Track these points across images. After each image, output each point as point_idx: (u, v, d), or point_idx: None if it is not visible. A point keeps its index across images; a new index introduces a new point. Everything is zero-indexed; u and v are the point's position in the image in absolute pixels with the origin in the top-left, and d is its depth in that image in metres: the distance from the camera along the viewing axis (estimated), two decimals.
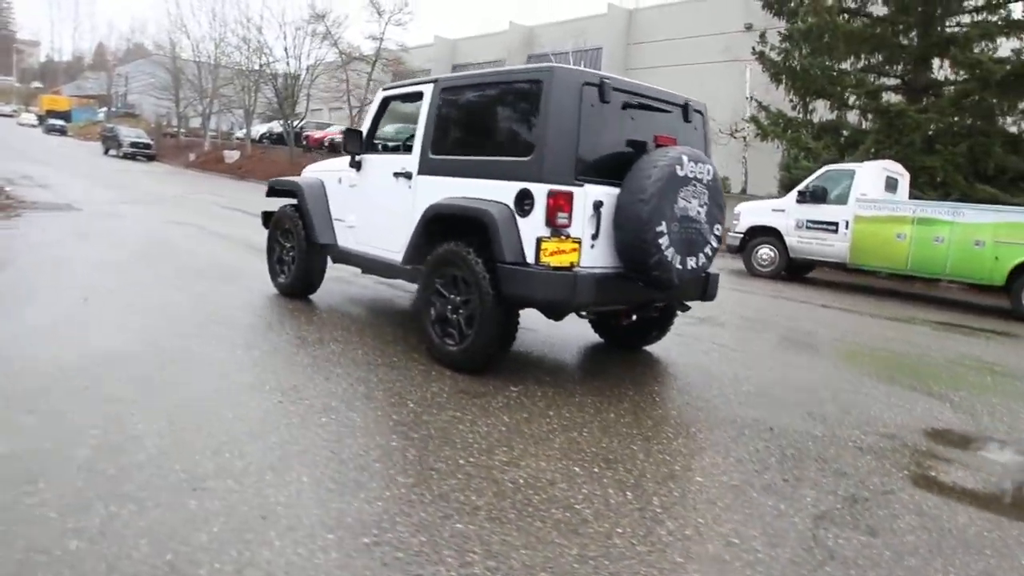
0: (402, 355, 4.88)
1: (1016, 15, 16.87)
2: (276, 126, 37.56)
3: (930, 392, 5.41)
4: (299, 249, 6.21)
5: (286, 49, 31.73)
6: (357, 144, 5.61)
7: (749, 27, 34.90)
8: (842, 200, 11.97)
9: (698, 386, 4.93)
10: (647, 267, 4.31)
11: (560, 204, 4.15)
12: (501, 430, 3.67)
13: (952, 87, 17.20)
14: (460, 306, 4.60)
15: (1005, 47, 17.24)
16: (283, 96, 30.67)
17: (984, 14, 17.18)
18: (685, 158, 4.38)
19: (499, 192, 4.39)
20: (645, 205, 4.20)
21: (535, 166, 4.23)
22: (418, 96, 5.30)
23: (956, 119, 16.63)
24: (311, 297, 6.49)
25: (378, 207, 5.48)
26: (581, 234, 4.27)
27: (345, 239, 5.89)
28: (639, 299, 4.71)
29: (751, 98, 33.15)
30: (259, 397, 3.82)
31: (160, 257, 8.18)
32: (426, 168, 4.99)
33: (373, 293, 7.29)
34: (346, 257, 5.97)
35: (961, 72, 17.23)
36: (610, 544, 2.62)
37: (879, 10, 18.17)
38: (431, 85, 5.11)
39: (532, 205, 4.22)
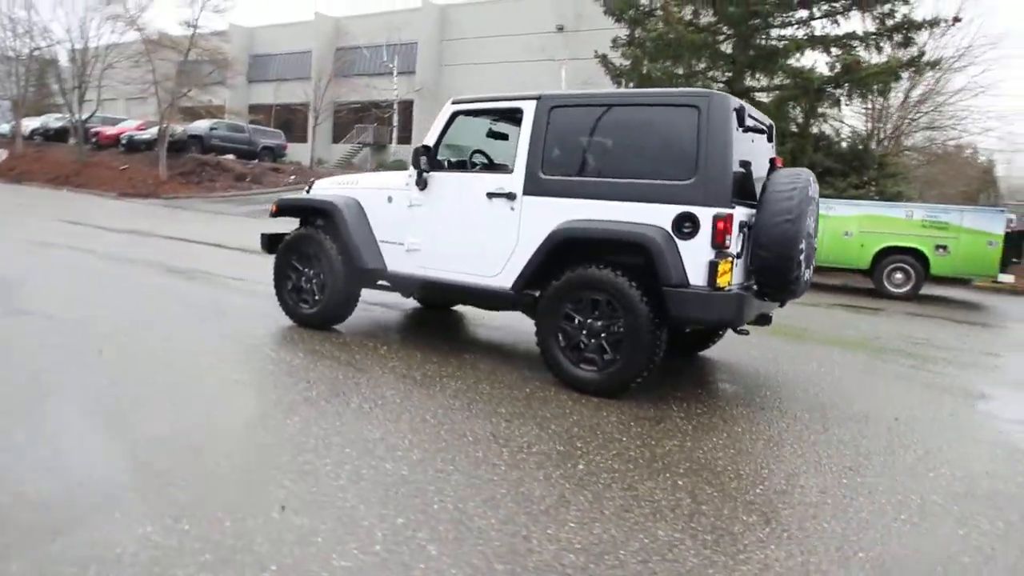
0: (525, 382, 4.64)
1: (817, 32, 19.51)
2: (52, 120, 32.62)
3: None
4: (334, 275, 5.57)
5: (68, 31, 27.61)
6: (427, 161, 5.16)
7: (560, 28, 36.83)
8: None
9: None
10: (787, 282, 4.51)
11: (727, 227, 4.19)
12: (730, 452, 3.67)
13: (776, 92, 19.49)
14: (601, 331, 4.47)
15: (808, 58, 19.96)
16: (69, 86, 26.68)
17: (793, 28, 19.67)
18: (812, 178, 4.64)
19: (651, 215, 4.33)
20: (792, 225, 4.38)
21: (697, 189, 4.22)
22: (512, 112, 5.05)
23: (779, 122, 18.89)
24: (339, 327, 5.86)
25: (460, 229, 5.10)
26: (734, 255, 4.36)
27: (400, 263, 5.41)
28: (760, 312, 4.90)
29: None
30: (482, 458, 3.44)
31: (112, 292, 6.88)
32: (536, 189, 4.74)
33: (398, 315, 6.76)
34: (402, 283, 5.51)
35: (776, 79, 19.62)
36: None
37: (704, 19, 20.06)
38: (531, 102, 4.85)
39: (695, 228, 4.22)
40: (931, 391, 5.56)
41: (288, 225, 6.15)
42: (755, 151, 4.81)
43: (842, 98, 18.50)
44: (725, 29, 20.00)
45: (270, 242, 6.12)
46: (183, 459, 3.09)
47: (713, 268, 4.18)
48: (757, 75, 19.99)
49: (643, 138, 4.51)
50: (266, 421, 3.65)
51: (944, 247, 11.46)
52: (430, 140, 5.26)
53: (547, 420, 4.00)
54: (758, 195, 4.62)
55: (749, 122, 4.60)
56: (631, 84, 20.83)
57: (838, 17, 19.19)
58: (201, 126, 27.91)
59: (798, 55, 19.38)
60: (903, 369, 6.33)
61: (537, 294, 4.84)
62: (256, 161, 28.39)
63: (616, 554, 2.58)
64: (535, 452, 3.50)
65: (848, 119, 24.62)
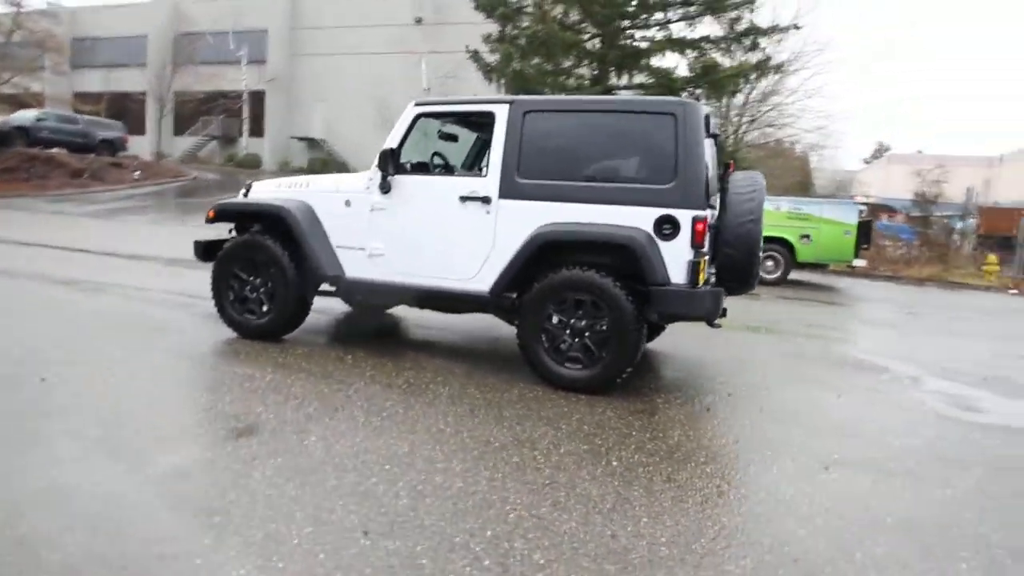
0: (508, 384, 4.70)
1: (675, 35, 20.79)
2: None
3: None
4: (284, 284, 5.32)
5: None
6: (392, 165, 5.04)
7: (419, 21, 36.52)
8: None
9: None
10: (750, 276, 4.90)
11: (704, 228, 4.48)
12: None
13: (638, 91, 20.55)
14: (585, 330, 4.63)
15: (669, 59, 21.25)
16: None
17: (654, 30, 20.83)
18: (762, 181, 5.05)
19: (632, 218, 4.52)
20: (755, 225, 4.78)
21: (676, 193, 4.47)
22: (481, 116, 5.06)
23: None
24: (285, 337, 5.59)
25: (430, 233, 5.04)
26: (709, 254, 4.67)
27: (360, 269, 5.26)
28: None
29: (428, 90, 34.91)
30: (520, 463, 3.48)
31: (15, 312, 6.08)
32: (513, 192, 4.80)
33: (330, 319, 6.49)
34: (363, 289, 5.36)
35: (640, 78, 20.75)
36: None
37: (572, 17, 20.76)
38: (503, 106, 4.89)
39: (675, 230, 4.47)
40: (848, 368, 6.23)
41: (217, 232, 5.81)
42: (710, 156, 5.15)
43: (700, 98, 19.83)
44: (591, 28, 20.83)
45: (206, 250, 5.72)
46: (229, 496, 2.89)
47: (694, 267, 4.46)
48: (622, 74, 21.00)
49: (621, 144, 4.70)
50: (286, 444, 3.47)
51: (807, 236, 12.69)
52: (393, 142, 5.14)
53: (554, 420, 4.10)
54: (718, 197, 4.97)
55: (711, 129, 4.93)
56: (502, 81, 21.15)
57: (693, 21, 20.59)
58: (26, 116, 24.98)
59: (660, 55, 20.58)
60: (815, 347, 7.03)
61: (514, 296, 4.91)
62: (93, 155, 25.85)
63: (700, 542, 2.74)
64: (564, 453, 3.59)
65: None
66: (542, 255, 4.70)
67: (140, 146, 33.80)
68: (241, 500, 2.83)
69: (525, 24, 19.99)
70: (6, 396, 3.88)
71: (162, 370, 4.61)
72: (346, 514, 2.77)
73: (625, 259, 4.54)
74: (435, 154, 5.63)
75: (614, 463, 3.50)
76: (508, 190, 4.81)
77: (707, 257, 4.56)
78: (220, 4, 37.25)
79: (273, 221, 5.40)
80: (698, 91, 19.92)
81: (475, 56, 21.66)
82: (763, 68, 20.26)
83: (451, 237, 4.98)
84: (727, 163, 5.34)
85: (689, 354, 6.16)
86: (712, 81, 19.24)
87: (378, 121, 34.37)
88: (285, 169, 36.05)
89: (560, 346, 4.70)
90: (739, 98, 24.97)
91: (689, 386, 5.18)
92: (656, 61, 20.62)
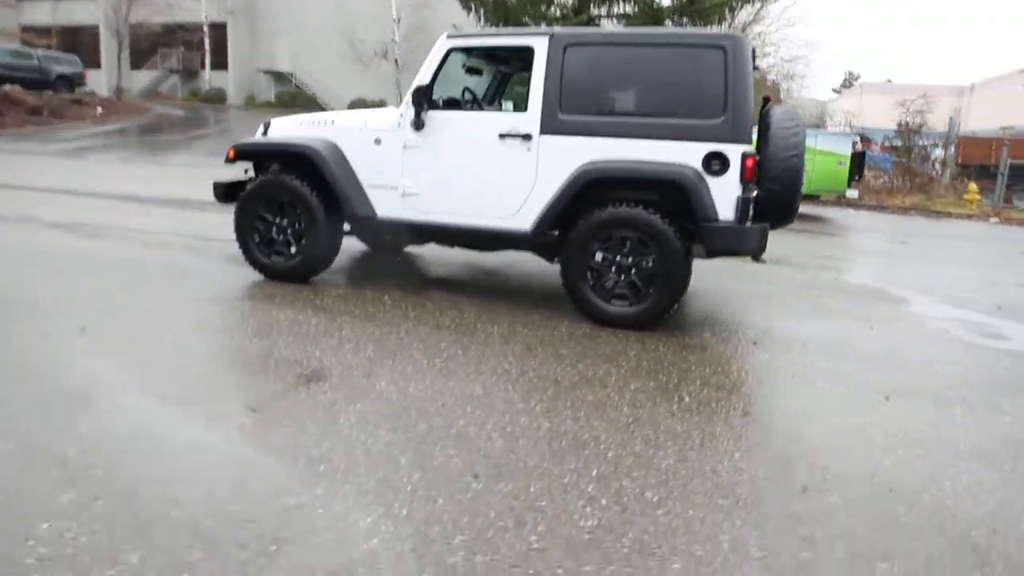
0: (554, 321, 4.68)
1: None
2: None
3: None
4: (314, 225, 5.17)
5: None
6: (425, 102, 4.86)
7: None
8: None
9: None
10: (792, 211, 4.89)
11: (754, 164, 4.44)
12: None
13: (622, 20, 20.07)
14: (631, 267, 4.61)
15: None
16: None
17: None
18: (802, 116, 4.99)
19: (680, 153, 4.45)
20: (798, 159, 4.74)
21: (726, 128, 4.40)
22: (518, 51, 4.91)
23: None
24: (313, 279, 5.47)
25: (468, 171, 4.91)
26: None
27: (393, 209, 5.13)
28: None
29: (398, 21, 33.73)
30: (597, 401, 3.50)
31: (21, 261, 5.82)
32: (555, 128, 4.67)
33: (350, 260, 6.36)
34: (397, 229, 5.25)
35: (624, 7, 20.25)
36: None
37: None
38: (543, 39, 4.70)
39: (724, 166, 4.41)
40: (869, 299, 6.34)
41: (234, 172, 5.61)
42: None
43: (693, 25, 19.43)
44: None
45: (227, 191, 5.52)
46: (324, 444, 2.85)
47: (743, 203, 4.42)
48: (611, 3, 20.44)
49: (668, 78, 4.56)
50: (360, 389, 3.41)
51: None
52: (424, 78, 4.94)
53: (612, 357, 4.10)
54: (758, 130, 4.91)
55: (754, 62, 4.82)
56: (481, 10, 20.46)
57: None
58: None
59: None
60: (829, 279, 7.13)
61: (555, 234, 4.84)
62: (50, 92, 24.64)
63: (797, 475, 2.80)
64: (635, 390, 3.60)
65: None
66: (586, 192, 4.62)
67: (97, 81, 32.30)
68: (338, 448, 2.79)
69: None
70: (48, 347, 3.75)
71: (203, 317, 4.48)
72: (447, 458, 2.75)
73: (672, 196, 4.49)
74: (466, 89, 5.45)
75: (686, 399, 3.53)
76: (550, 126, 4.68)
77: (755, 193, 4.52)
78: None
79: (298, 160, 5.21)
80: (684, 20, 19.52)
81: None
82: None
83: (490, 175, 4.86)
84: (765, 97, 5.25)
85: (712, 287, 6.19)
86: (699, 10, 18.83)
87: (348, 54, 33.39)
88: (252, 104, 34.93)
89: (606, 283, 4.68)
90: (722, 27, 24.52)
91: (727, 320, 5.22)
92: None
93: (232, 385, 3.44)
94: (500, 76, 6.09)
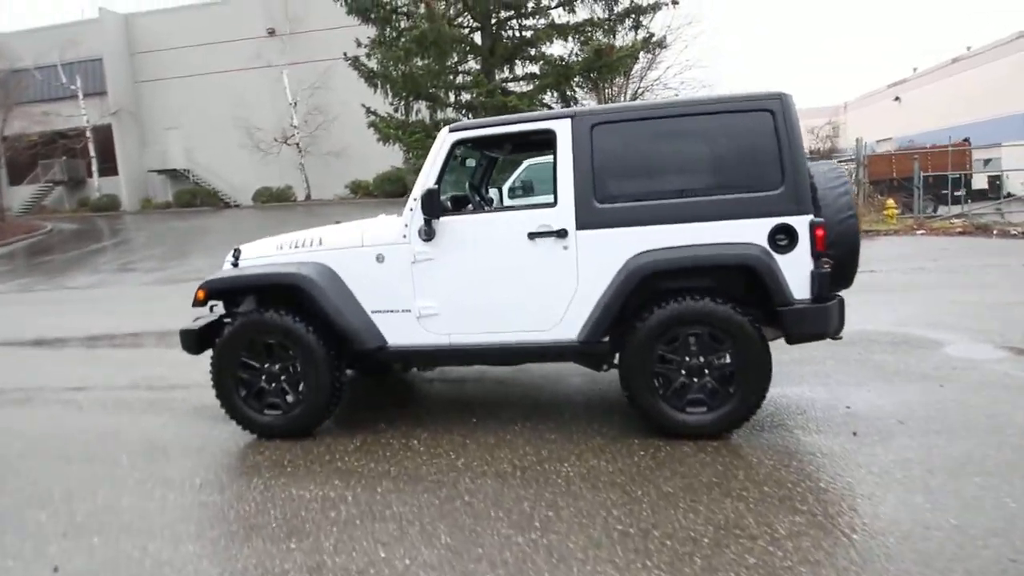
0: (622, 440, 4.01)
1: (558, 20, 20.46)
2: None
3: None
4: (313, 365, 4.35)
5: None
6: (437, 207, 4.18)
7: (272, 32, 34.34)
8: (548, 191, 13.13)
9: None
10: (852, 275, 4.45)
11: (824, 234, 3.97)
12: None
13: (533, 82, 20.08)
14: (705, 367, 4.03)
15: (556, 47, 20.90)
16: None
17: (535, 19, 20.38)
18: (845, 170, 4.60)
19: (741, 232, 3.94)
20: (854, 220, 4.32)
21: (788, 198, 3.92)
22: (536, 136, 4.30)
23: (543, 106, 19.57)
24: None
25: (495, 280, 4.23)
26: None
27: (408, 335, 4.37)
28: None
29: (295, 104, 33.07)
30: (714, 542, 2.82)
31: None
32: (592, 220, 4.07)
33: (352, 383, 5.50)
34: (414, 357, 4.50)
35: (532, 68, 20.33)
36: None
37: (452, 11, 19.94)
38: (564, 122, 4.14)
39: (791, 240, 3.93)
40: (904, 346, 5.98)
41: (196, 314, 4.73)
42: None
43: (598, 82, 19.64)
44: (472, 22, 20.12)
45: (199, 339, 4.61)
46: None
47: (819, 279, 3.93)
48: (513, 66, 20.46)
49: (713, 150, 4.07)
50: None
51: None
52: (430, 180, 4.27)
53: (722, 485, 3.45)
54: None
55: None
56: (387, 85, 20.08)
57: (572, 4, 20.24)
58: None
59: (547, 44, 20.17)
60: None
61: (606, 340, 4.21)
62: None
63: None
64: (787, 534, 2.95)
65: (584, 100, 26.40)
66: (640, 290, 4.03)
67: None
68: None
69: (405, 25, 18.99)
70: None
71: (214, 517, 3.53)
72: None
73: (732, 280, 3.99)
74: (471, 185, 4.81)
75: (855, 536, 2.90)
76: (586, 219, 4.09)
77: (830, 265, 4.04)
78: (44, 35, 33.49)
79: (284, 292, 4.39)
80: (593, 75, 19.72)
81: (355, 63, 20.40)
82: (650, 45, 20.36)
83: (522, 282, 4.20)
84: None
85: None
86: (607, 64, 19.03)
87: (245, 143, 32.28)
88: (148, 207, 33.12)
89: (677, 390, 4.07)
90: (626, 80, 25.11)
91: (791, 403, 4.67)
92: (545, 51, 20.22)
93: None
94: (486, 163, 5.49)
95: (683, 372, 4.05)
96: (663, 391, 4.07)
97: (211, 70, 33.44)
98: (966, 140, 23.53)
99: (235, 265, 4.68)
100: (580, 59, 19.48)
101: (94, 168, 33.46)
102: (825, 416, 4.40)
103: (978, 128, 27.01)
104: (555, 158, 4.15)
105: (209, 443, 4.52)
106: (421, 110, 20.55)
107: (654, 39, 20.19)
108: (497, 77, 20.48)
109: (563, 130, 4.13)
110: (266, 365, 4.46)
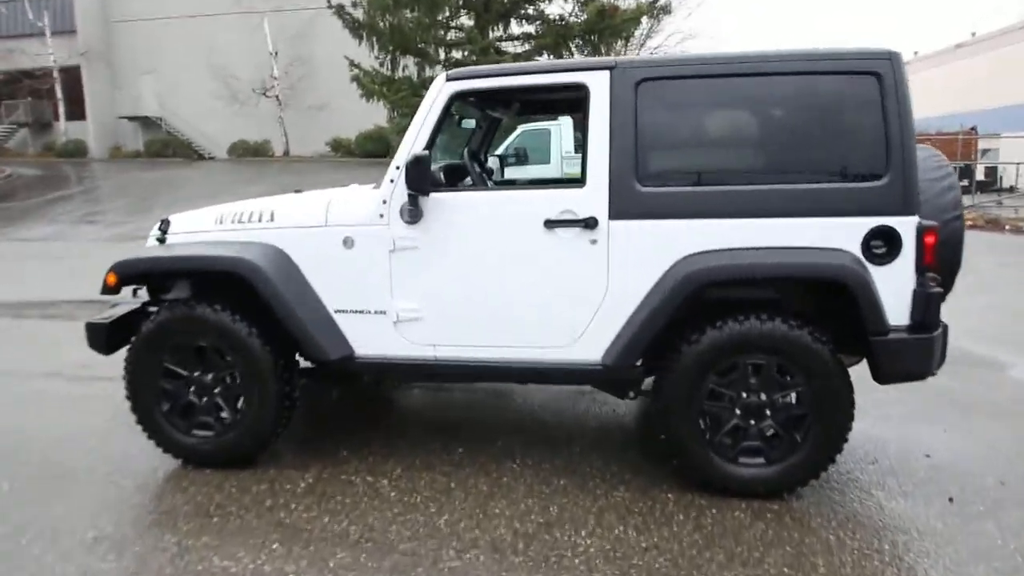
0: (653, 490, 3.08)
1: None
2: None
3: None
4: (256, 376, 3.36)
5: None
6: (426, 180, 3.15)
7: None
8: (544, 159, 12.14)
9: None
10: (951, 289, 3.51)
11: (935, 242, 3.02)
12: None
13: (528, 42, 18.86)
14: (767, 407, 3.09)
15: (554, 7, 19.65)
16: None
17: None
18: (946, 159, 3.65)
19: (827, 234, 2.98)
20: (960, 221, 3.37)
21: (892, 192, 2.95)
22: (563, 91, 3.28)
23: None
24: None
25: (498, 279, 3.24)
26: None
27: (383, 343, 3.38)
28: None
29: (275, 54, 31.37)
30: None
31: None
32: (630, 208, 3.08)
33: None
34: (390, 371, 3.53)
35: (530, 28, 19.09)
36: None
37: None
38: (602, 73, 3.10)
39: (892, 248, 2.98)
40: (961, 365, 5.11)
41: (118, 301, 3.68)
42: None
43: (599, 45, 18.47)
44: None
45: (110, 336, 3.57)
46: None
47: (925, 301, 2.99)
48: (508, 24, 19.22)
49: (798, 122, 3.06)
50: None
51: None
52: (419, 143, 3.23)
53: (800, 567, 2.54)
54: None
55: None
56: (374, 37, 18.79)
57: None
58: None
59: (547, 2, 18.92)
60: None
61: (639, 365, 3.25)
62: None
63: None
64: None
65: None
66: (691, 303, 3.06)
67: None
68: None
69: None
70: None
71: None
72: None
73: (802, 293, 3.07)
74: (472, 152, 3.78)
75: None
76: (624, 205, 3.09)
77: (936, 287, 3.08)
78: None
79: (223, 280, 3.37)
80: (594, 37, 18.52)
81: (339, 11, 19.05)
82: (655, 10, 19.20)
83: (533, 283, 3.21)
84: None
85: None
86: (609, 26, 17.87)
87: (222, 93, 30.59)
88: (117, 156, 31.45)
89: (729, 433, 3.13)
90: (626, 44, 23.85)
91: (856, 443, 3.75)
92: (544, 9, 18.98)
93: None
94: (487, 125, 4.45)
95: (738, 412, 3.11)
96: (711, 435, 3.13)
97: (189, 13, 31.54)
98: (973, 129, 22.72)
99: (161, 241, 3.63)
100: (581, 20, 18.29)
101: (61, 111, 31.59)
102: (903, 468, 3.50)
103: (984, 117, 26.15)
104: (585, 122, 3.13)
105: (121, 468, 3.53)
106: (408, 66, 19.31)
107: (659, 3, 19.02)
108: (491, 35, 19.29)
109: (599, 85, 3.10)
110: (196, 374, 3.45)
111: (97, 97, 32.18)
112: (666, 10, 19.90)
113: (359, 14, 18.64)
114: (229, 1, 30.55)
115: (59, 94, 31.09)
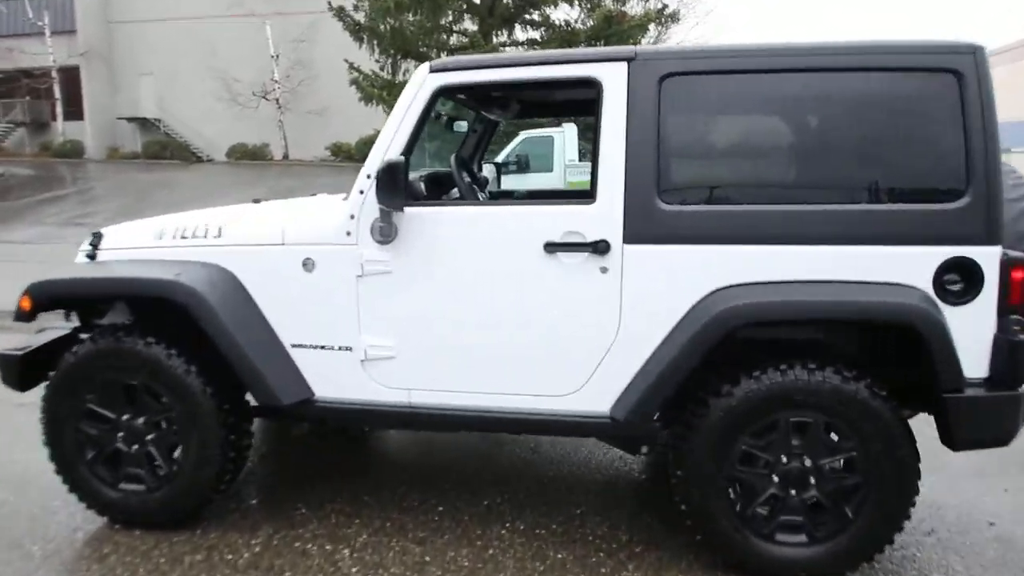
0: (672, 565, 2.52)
1: None
2: None
3: None
4: (198, 422, 2.80)
5: None
6: (400, 192, 2.59)
7: None
8: (547, 168, 11.62)
9: None
10: None
11: (1022, 278, 2.46)
12: None
13: (534, 47, 18.35)
14: (812, 474, 2.52)
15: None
16: None
17: None
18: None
19: (892, 265, 2.42)
20: None
21: (973, 218, 2.39)
22: (570, 87, 2.74)
23: None
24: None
25: (486, 313, 2.68)
26: None
27: (347, 385, 2.82)
28: None
29: (276, 57, 30.94)
30: None
31: None
32: (650, 230, 2.52)
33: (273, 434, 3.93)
34: (352, 418, 2.97)
35: (535, 33, 18.59)
36: None
37: None
38: (618, 65, 2.55)
39: (971, 284, 2.42)
40: None
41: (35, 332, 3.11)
42: None
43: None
44: None
45: (24, 371, 3.01)
46: None
47: (1015, 351, 2.42)
48: (513, 29, 18.72)
49: (858, 129, 2.50)
50: None
51: None
52: (394, 148, 2.68)
53: None
54: None
55: None
56: (374, 41, 18.29)
57: None
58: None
59: (553, 7, 18.42)
60: None
61: (656, 418, 2.68)
62: None
63: None
64: None
65: None
66: (721, 346, 2.50)
67: None
68: None
69: None
70: None
71: None
72: None
73: (850, 335, 2.50)
74: (461, 159, 3.22)
75: None
76: (642, 226, 2.53)
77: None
78: None
79: (159, 307, 2.81)
80: (600, 44, 17.98)
81: (340, 13, 18.53)
82: (663, 17, 18.70)
83: (529, 317, 2.65)
84: None
85: None
86: (617, 33, 17.33)
87: (222, 96, 30.11)
88: (115, 157, 30.95)
89: (763, 505, 2.56)
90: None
91: (916, 519, 3.18)
92: (550, 14, 18.47)
93: None
94: (481, 128, 3.90)
95: (775, 479, 2.54)
96: (742, 507, 2.57)
97: (190, 15, 31.14)
98: None
99: (92, 258, 3.08)
100: (587, 26, 17.78)
101: (59, 111, 31.15)
102: (966, 541, 2.93)
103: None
104: (597, 124, 2.57)
105: (34, 529, 2.95)
106: (409, 70, 18.75)
107: (667, 10, 18.53)
108: (495, 40, 18.76)
109: (614, 81, 2.54)
110: (125, 417, 2.89)
111: (96, 97, 31.73)
112: (674, 18, 19.41)
113: (360, 16, 18.16)
114: (230, 3, 30.17)
115: (57, 94, 30.68)
